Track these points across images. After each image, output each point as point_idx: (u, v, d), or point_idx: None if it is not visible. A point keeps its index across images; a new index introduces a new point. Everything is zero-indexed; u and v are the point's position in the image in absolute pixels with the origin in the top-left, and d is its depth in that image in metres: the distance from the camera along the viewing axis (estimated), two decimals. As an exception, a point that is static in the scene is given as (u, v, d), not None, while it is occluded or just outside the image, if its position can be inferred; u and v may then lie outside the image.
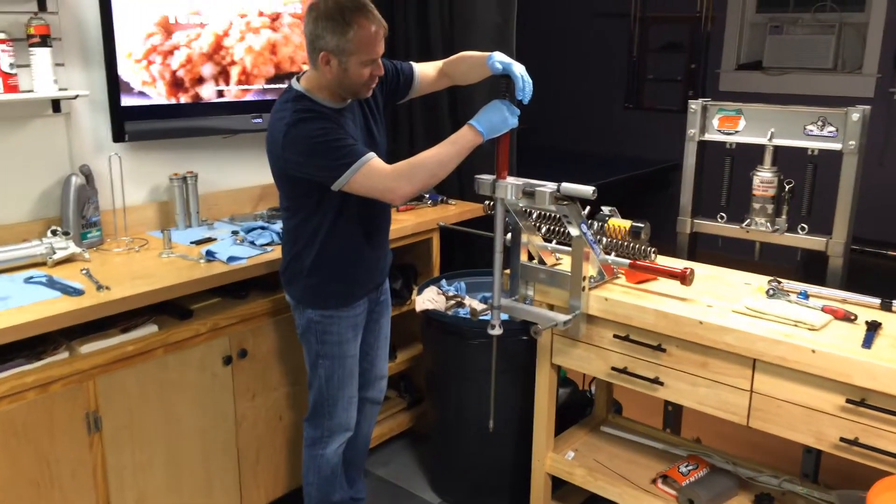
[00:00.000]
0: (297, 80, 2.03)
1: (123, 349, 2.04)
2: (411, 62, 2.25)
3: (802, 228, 2.36)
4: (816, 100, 4.42)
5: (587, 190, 1.88)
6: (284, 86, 2.53)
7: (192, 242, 2.49)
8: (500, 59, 1.95)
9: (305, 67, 2.09)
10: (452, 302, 2.68)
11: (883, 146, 4.71)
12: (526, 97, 1.94)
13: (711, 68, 5.56)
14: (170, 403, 2.17)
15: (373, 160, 1.90)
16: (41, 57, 2.26)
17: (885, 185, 4.54)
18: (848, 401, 1.73)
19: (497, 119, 1.92)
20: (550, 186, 1.96)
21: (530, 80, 1.94)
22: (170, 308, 2.20)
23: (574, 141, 6.19)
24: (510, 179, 2.02)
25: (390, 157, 2.03)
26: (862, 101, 3.46)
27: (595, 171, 4.86)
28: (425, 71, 2.23)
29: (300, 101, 1.96)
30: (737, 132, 2.42)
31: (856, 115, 2.18)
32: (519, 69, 1.93)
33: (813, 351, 1.74)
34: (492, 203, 2.16)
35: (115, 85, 2.44)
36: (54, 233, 2.31)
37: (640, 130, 5.92)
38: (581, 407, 2.80)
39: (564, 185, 1.92)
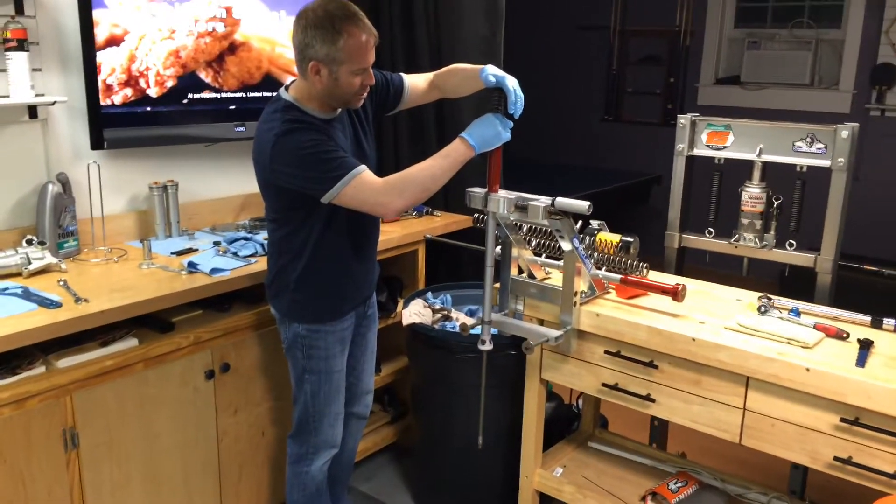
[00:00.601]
0: (286, 89, 1.99)
1: (102, 364, 1.97)
2: (401, 74, 2.22)
3: (790, 244, 2.36)
4: (794, 115, 4.49)
5: (582, 205, 1.86)
6: (266, 94, 2.50)
7: (172, 253, 2.43)
8: (493, 72, 1.93)
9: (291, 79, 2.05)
10: (439, 315, 2.64)
11: (858, 162, 4.76)
12: (518, 111, 1.92)
13: (690, 82, 5.62)
14: (150, 419, 2.11)
15: (364, 173, 1.86)
16: (17, 62, 2.19)
17: (861, 200, 4.59)
18: (842, 419, 1.72)
19: (490, 133, 1.90)
20: (544, 201, 1.94)
21: (522, 95, 1.92)
22: (150, 321, 2.14)
23: (553, 153, 6.20)
24: (502, 193, 1.99)
25: (377, 169, 2.00)
26: (838, 117, 3.51)
27: (574, 184, 4.86)
28: (415, 82, 2.21)
29: (289, 112, 1.92)
30: (726, 147, 2.42)
31: (845, 132, 2.19)
32: (512, 83, 1.91)
33: (807, 369, 1.74)
34: (482, 216, 2.13)
35: (94, 91, 2.37)
36: (30, 242, 2.24)
37: (619, 143, 5.95)
38: (567, 421, 2.78)
39: (559, 199, 1.90)
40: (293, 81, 2.00)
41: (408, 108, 2.29)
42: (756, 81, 5.29)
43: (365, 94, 1.98)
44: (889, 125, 4.81)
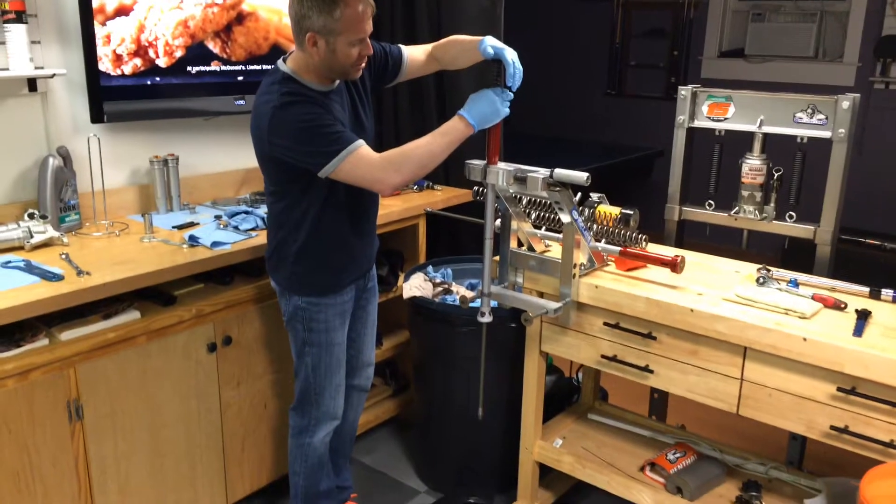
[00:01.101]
0: (284, 60, 1.98)
1: (105, 336, 1.99)
2: (400, 45, 2.21)
3: (790, 216, 2.36)
4: (798, 87, 4.46)
5: (581, 176, 1.86)
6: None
7: (174, 227, 2.44)
8: (492, 43, 1.92)
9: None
10: (440, 289, 2.65)
11: (861, 135, 4.74)
12: (515, 84, 1.91)
13: (694, 55, 5.57)
14: (153, 391, 2.13)
15: (361, 148, 1.86)
16: (16, 34, 2.18)
17: (864, 174, 4.58)
18: (839, 389, 1.74)
19: (488, 110, 1.89)
20: (543, 172, 1.94)
21: (521, 67, 1.91)
22: (152, 294, 2.15)
23: (555, 127, 6.17)
24: (501, 165, 1.99)
25: (376, 142, 2.00)
26: (842, 90, 3.48)
27: (577, 158, 4.84)
28: (414, 54, 2.20)
29: (287, 84, 1.91)
30: (726, 119, 2.41)
31: (845, 103, 2.18)
32: (511, 55, 1.89)
33: (804, 339, 1.74)
34: (481, 189, 2.13)
35: (93, 64, 2.37)
36: (31, 216, 2.25)
37: (621, 117, 5.92)
38: (567, 394, 2.80)
39: (557, 171, 1.90)
40: (292, 52, 1.99)
41: (407, 80, 2.28)
42: (760, 54, 5.24)
43: (363, 65, 1.97)
44: (893, 98, 4.77)
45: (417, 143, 1.91)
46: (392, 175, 1.88)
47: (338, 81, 1.99)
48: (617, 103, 6.01)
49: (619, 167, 5.27)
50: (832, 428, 1.77)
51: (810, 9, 5.10)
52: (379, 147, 1.92)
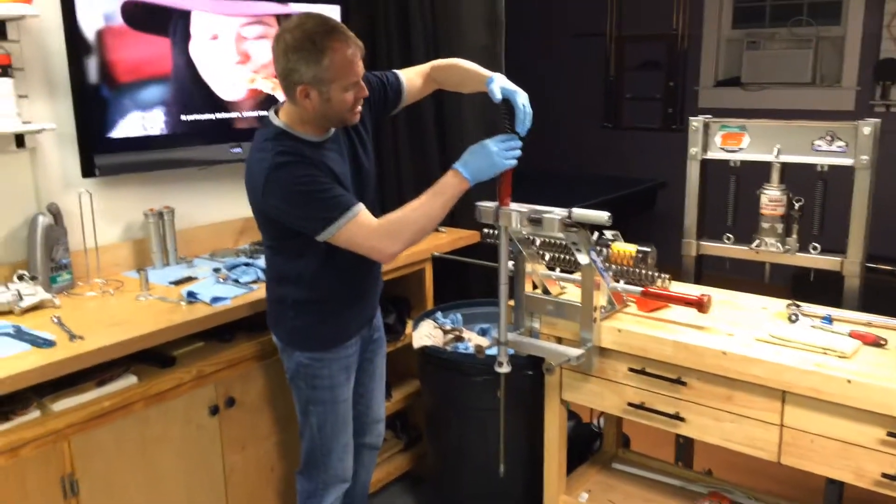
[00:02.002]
0: (276, 112, 1.88)
1: (100, 405, 1.87)
2: (395, 70, 2.11)
3: (815, 248, 2.27)
4: (797, 114, 4.36)
5: (602, 216, 1.76)
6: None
7: (171, 283, 2.33)
8: (502, 84, 1.83)
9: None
10: (451, 336, 2.54)
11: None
12: (524, 129, 1.83)
13: (690, 85, 5.54)
14: (153, 460, 2.00)
15: (359, 215, 1.77)
16: (2, 89, 2.10)
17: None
18: (889, 434, 1.62)
19: (485, 164, 1.81)
20: (559, 213, 1.84)
21: (531, 112, 1.82)
22: (149, 356, 2.04)
23: (552, 162, 6.09)
24: (514, 206, 1.90)
25: (378, 183, 1.90)
26: (843, 114, 3.42)
27: (576, 192, 4.76)
28: (412, 79, 2.10)
29: (280, 141, 1.81)
30: (741, 149, 2.33)
31: (867, 128, 2.11)
32: (522, 98, 1.81)
33: (849, 381, 1.64)
34: (492, 231, 2.04)
35: (83, 117, 2.28)
36: (21, 278, 2.15)
37: (619, 150, 5.87)
38: (587, 441, 2.67)
39: (576, 210, 1.80)
40: (283, 104, 1.89)
41: (407, 108, 2.20)
42: (757, 82, 5.21)
43: (360, 109, 1.88)
44: (894, 120, 4.72)
45: (413, 206, 1.82)
46: (390, 244, 1.81)
47: (333, 129, 1.90)
48: (614, 136, 5.96)
49: (620, 201, 5.17)
50: (884, 476, 1.65)
51: (805, 35, 5.08)
52: (380, 185, 1.83)
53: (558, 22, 5.99)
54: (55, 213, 2.26)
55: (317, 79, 1.75)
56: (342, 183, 1.84)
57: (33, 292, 2.10)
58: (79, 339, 1.86)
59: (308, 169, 1.77)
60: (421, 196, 1.84)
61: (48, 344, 1.83)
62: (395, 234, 1.81)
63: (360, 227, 1.77)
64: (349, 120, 1.87)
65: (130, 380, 1.95)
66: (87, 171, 2.33)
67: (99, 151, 2.33)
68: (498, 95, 1.82)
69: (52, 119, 2.27)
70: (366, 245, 1.80)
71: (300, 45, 1.72)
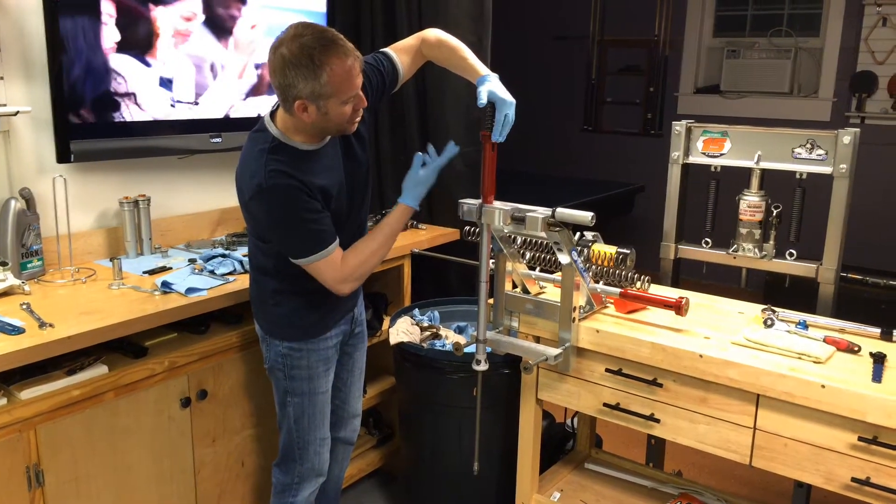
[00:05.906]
0: (272, 115, 1.86)
1: (69, 394, 1.83)
2: (385, 51, 2.07)
3: (791, 254, 2.29)
4: (774, 123, 4.44)
5: (585, 216, 1.76)
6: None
7: (144, 272, 2.29)
8: (490, 88, 1.85)
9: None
10: (427, 333, 2.53)
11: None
12: (500, 137, 1.86)
13: (670, 92, 5.58)
14: (121, 452, 1.96)
15: (333, 254, 1.83)
16: (-23, 69, 2.05)
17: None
18: (860, 438, 1.64)
19: (422, 189, 1.96)
20: (542, 212, 1.84)
21: (512, 121, 1.86)
22: (121, 346, 2.00)
23: (531, 163, 6.11)
24: (497, 204, 1.90)
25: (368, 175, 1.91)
26: (819, 124, 3.46)
27: (555, 194, 4.76)
28: (403, 60, 2.07)
29: (275, 153, 1.78)
30: (722, 155, 2.35)
31: (846, 137, 2.13)
32: (507, 108, 1.84)
33: (822, 386, 1.65)
34: (473, 229, 2.03)
35: (60, 100, 2.23)
36: (-10, 263, 2.09)
37: (598, 153, 5.89)
38: (560, 441, 2.67)
39: (559, 210, 1.80)
40: (279, 105, 1.84)
41: (389, 106, 2.20)
42: (736, 90, 5.27)
43: (359, 118, 1.86)
44: (869, 133, 4.78)
45: (373, 248, 1.91)
46: (349, 285, 1.90)
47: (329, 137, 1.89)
48: (593, 139, 5.99)
49: (599, 203, 5.19)
50: (853, 480, 1.66)
51: (784, 45, 5.14)
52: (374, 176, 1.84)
53: (540, 23, 6.00)
54: (28, 199, 2.21)
55: (315, 94, 1.72)
56: (328, 196, 1.84)
57: (3, 278, 2.05)
58: (49, 326, 1.82)
59: (297, 195, 1.76)
60: (377, 236, 1.93)
61: (17, 331, 1.79)
62: (356, 277, 1.90)
63: (328, 265, 1.83)
64: (347, 130, 1.86)
65: (101, 369, 1.91)
66: (63, 156, 2.28)
67: (75, 137, 2.28)
68: (483, 100, 1.83)
69: (28, 102, 2.22)
70: (328, 280, 1.86)
71: (297, 60, 1.68)
